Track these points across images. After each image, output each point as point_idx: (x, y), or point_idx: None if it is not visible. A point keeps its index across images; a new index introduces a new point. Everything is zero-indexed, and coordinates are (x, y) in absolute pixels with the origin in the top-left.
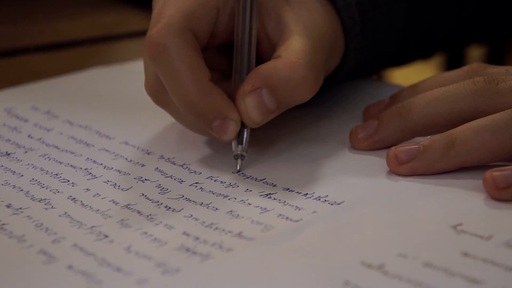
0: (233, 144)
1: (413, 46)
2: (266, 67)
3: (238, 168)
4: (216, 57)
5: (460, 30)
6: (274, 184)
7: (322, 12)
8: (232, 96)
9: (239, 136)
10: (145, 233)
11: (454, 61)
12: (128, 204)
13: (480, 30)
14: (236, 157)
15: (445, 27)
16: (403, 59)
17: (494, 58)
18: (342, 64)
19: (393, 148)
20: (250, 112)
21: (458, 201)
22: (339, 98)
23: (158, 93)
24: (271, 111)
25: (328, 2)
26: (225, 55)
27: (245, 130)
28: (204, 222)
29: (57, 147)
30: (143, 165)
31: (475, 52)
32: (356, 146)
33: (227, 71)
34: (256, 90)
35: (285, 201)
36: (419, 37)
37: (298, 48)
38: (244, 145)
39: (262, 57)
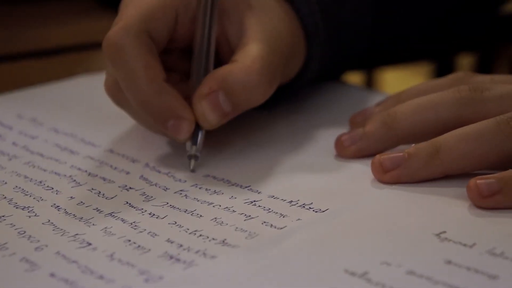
0: (187, 144)
1: (382, 49)
2: (223, 71)
3: (191, 168)
4: (178, 60)
5: (430, 33)
6: (259, 191)
7: (283, 18)
8: (190, 98)
9: (194, 136)
10: (129, 240)
11: (443, 70)
12: (112, 212)
13: (451, 33)
14: (190, 157)
15: (415, 30)
16: (372, 62)
17: (483, 66)
18: (305, 69)
19: (378, 156)
20: (206, 114)
21: (442, 209)
22: (324, 106)
23: (116, 93)
24: (226, 113)
25: (291, 8)
26: (187, 58)
27: (200, 131)
28: (188, 229)
29: (41, 155)
30: (128, 173)
31: (464, 61)
32: (342, 153)
33: (187, 73)
34: (213, 93)
35: (269, 208)
36: (388, 41)
37: (254, 53)
38: (198, 145)
39: (222, 60)
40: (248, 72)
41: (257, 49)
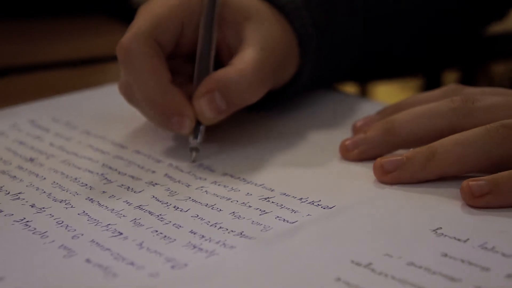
0: (190, 138)
1: (372, 57)
2: (219, 73)
3: (192, 159)
4: (183, 64)
5: (420, 48)
6: (272, 189)
7: (278, 28)
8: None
9: (195, 131)
10: (156, 231)
11: (430, 85)
12: (140, 205)
13: (442, 45)
14: (191, 149)
15: (404, 44)
16: (364, 72)
17: (466, 83)
18: (299, 74)
19: (379, 159)
20: (204, 111)
21: (438, 207)
22: (329, 115)
23: (128, 92)
24: (222, 110)
25: (286, 21)
26: (192, 62)
27: (200, 126)
28: (209, 221)
29: (76, 154)
30: (153, 172)
31: (450, 77)
32: (346, 157)
33: (192, 76)
34: (209, 92)
35: (282, 205)
36: (377, 54)
37: (248, 58)
38: (198, 139)
39: (223, 65)
40: (241, 74)
41: (251, 54)
